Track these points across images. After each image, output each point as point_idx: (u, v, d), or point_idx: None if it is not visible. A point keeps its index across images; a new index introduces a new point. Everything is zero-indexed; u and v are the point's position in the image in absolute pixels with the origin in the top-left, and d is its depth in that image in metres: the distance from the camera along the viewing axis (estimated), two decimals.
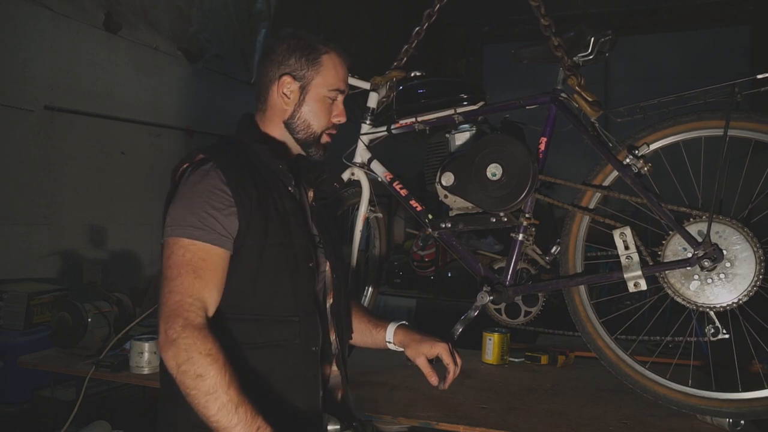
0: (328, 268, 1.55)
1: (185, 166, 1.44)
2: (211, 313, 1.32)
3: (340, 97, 1.56)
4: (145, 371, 2.20)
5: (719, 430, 1.81)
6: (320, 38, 1.55)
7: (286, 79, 1.50)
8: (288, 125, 1.53)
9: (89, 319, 2.39)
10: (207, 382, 1.22)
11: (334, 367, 1.57)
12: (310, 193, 1.58)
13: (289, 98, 1.51)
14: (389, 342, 1.70)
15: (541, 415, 1.90)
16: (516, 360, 2.52)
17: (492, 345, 2.46)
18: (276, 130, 1.54)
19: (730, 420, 1.78)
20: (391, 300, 4.84)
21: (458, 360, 1.64)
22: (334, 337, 1.55)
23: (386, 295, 4.88)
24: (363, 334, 1.72)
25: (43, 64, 3.55)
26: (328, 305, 1.55)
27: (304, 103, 1.51)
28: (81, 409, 2.25)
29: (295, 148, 1.57)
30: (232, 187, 1.35)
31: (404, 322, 1.71)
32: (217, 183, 1.35)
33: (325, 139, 1.55)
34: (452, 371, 1.61)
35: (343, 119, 1.56)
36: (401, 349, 1.68)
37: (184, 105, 4.70)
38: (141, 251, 4.25)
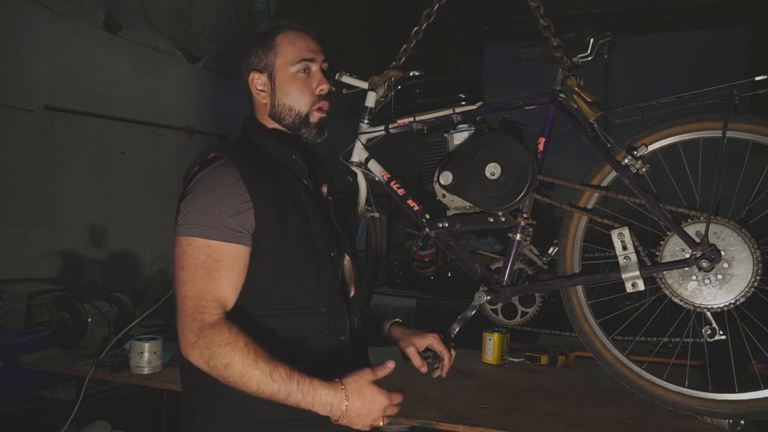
0: (347, 260, 1.56)
1: (197, 167, 1.44)
2: (229, 304, 1.34)
3: (314, 67, 1.53)
4: (145, 371, 2.20)
5: (719, 430, 1.81)
6: (271, 22, 1.57)
7: (254, 75, 1.53)
8: (273, 116, 1.54)
9: (89, 319, 2.39)
10: (236, 368, 1.25)
11: None
12: (324, 188, 1.59)
13: (264, 91, 1.53)
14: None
15: (541, 415, 1.90)
16: (516, 360, 2.52)
17: (492, 345, 2.46)
18: (270, 124, 1.55)
19: (730, 420, 1.78)
20: (391, 300, 4.84)
21: (453, 350, 1.65)
22: (356, 329, 1.56)
23: (386, 295, 4.88)
24: None
25: (43, 64, 3.55)
26: (349, 297, 1.56)
27: (277, 89, 1.52)
28: (81, 409, 2.25)
29: (297, 141, 1.57)
30: (248, 182, 1.36)
31: (398, 319, 1.73)
32: (232, 179, 1.36)
33: (315, 116, 1.53)
34: (446, 358, 1.63)
35: (324, 86, 1.54)
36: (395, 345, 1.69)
37: (184, 105, 4.71)
38: (141, 251, 4.25)
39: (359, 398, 1.28)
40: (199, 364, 1.28)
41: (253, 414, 1.36)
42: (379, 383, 1.33)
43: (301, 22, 1.57)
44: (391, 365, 1.33)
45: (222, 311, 1.31)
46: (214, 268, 1.31)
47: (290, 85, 1.51)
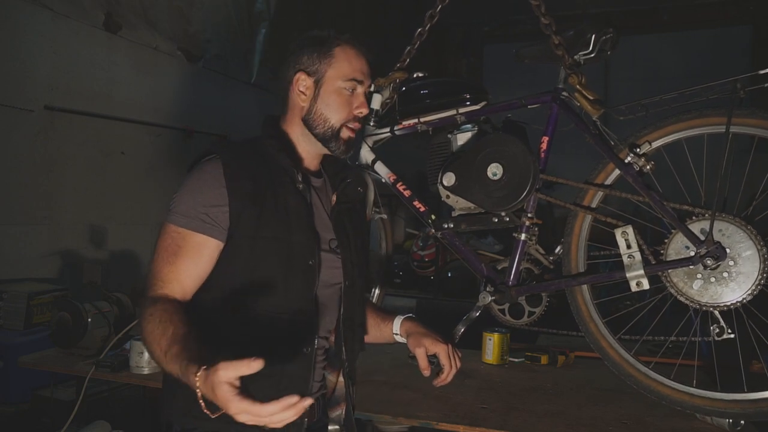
0: (341, 274, 1.54)
1: (197, 160, 1.48)
2: (177, 287, 1.37)
3: (360, 89, 1.54)
4: (145, 371, 2.19)
5: (719, 429, 1.80)
6: (333, 31, 1.54)
7: (301, 76, 1.52)
8: (306, 121, 1.53)
9: (89, 319, 2.38)
10: (147, 341, 1.28)
11: (341, 378, 1.56)
12: (333, 197, 1.58)
13: (305, 94, 1.52)
14: (396, 334, 1.70)
15: (541, 415, 1.89)
16: (516, 360, 2.51)
17: (492, 345, 2.45)
18: (296, 129, 1.55)
19: (730, 420, 1.77)
20: (391, 300, 4.82)
21: (457, 362, 1.64)
22: (343, 347, 1.55)
23: (386, 295, 4.85)
24: (372, 329, 1.72)
25: (43, 64, 3.55)
26: (340, 313, 1.55)
27: (319, 97, 1.51)
28: (81, 409, 2.24)
29: (317, 149, 1.56)
30: (228, 178, 1.39)
31: (411, 315, 1.72)
32: (214, 174, 1.39)
33: (346, 133, 1.53)
34: (447, 372, 1.62)
35: (364, 111, 1.55)
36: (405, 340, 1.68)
37: (184, 105, 4.70)
38: (141, 251, 4.24)
39: (212, 393, 1.07)
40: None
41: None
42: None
43: (362, 42, 1.57)
44: (255, 365, 1.04)
45: (167, 291, 1.36)
46: (174, 253, 1.37)
47: (334, 97, 1.51)
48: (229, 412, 1.05)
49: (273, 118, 1.60)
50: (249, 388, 1.32)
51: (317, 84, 1.51)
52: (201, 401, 1.09)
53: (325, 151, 1.56)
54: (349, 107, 1.53)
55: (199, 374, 1.09)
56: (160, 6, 4.41)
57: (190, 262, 1.38)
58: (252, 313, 1.39)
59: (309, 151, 1.57)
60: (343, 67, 1.51)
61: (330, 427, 1.56)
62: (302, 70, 1.52)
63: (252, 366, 1.03)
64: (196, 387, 1.09)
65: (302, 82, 1.52)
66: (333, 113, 1.51)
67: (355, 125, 1.55)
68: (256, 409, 1.03)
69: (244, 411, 1.03)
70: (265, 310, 1.40)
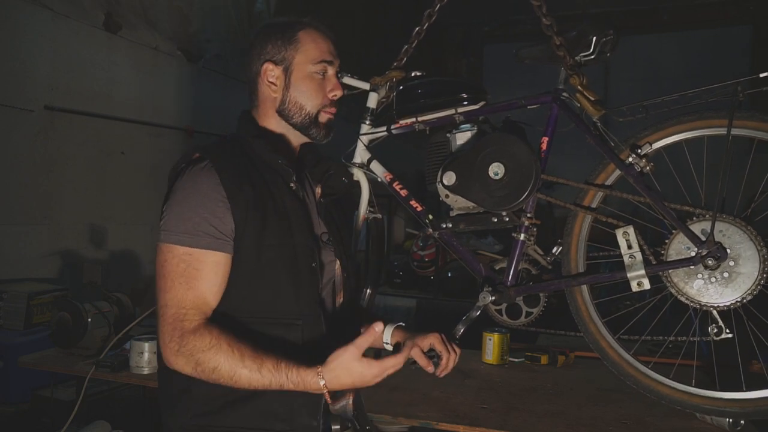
0: (338, 267, 1.52)
1: (182, 166, 1.41)
2: (209, 310, 1.32)
3: (330, 70, 1.51)
4: (145, 371, 2.19)
5: (719, 429, 1.80)
6: (294, 17, 1.51)
7: (268, 66, 1.47)
8: (281, 113, 1.49)
9: (89, 319, 2.38)
10: (224, 370, 1.25)
11: None
12: (318, 190, 1.55)
13: (276, 85, 1.48)
14: (386, 343, 1.68)
15: (541, 415, 1.89)
16: (516, 360, 2.52)
17: (492, 345, 2.46)
18: (272, 122, 1.51)
19: (730, 420, 1.77)
20: (391, 300, 4.83)
21: (455, 348, 1.60)
22: (342, 339, 1.54)
23: (386, 295, 4.87)
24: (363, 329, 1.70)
25: (43, 64, 3.55)
26: (337, 305, 1.53)
27: (291, 85, 1.47)
28: (81, 409, 2.24)
29: (296, 140, 1.53)
30: (227, 187, 1.32)
31: (401, 323, 1.69)
32: (212, 183, 1.32)
33: (324, 117, 1.50)
34: (446, 358, 1.58)
35: (338, 93, 1.52)
36: None
37: (184, 105, 4.70)
38: (141, 251, 4.25)
39: (348, 376, 1.26)
40: (185, 371, 1.28)
41: (220, 418, 1.33)
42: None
43: (323, 23, 1.54)
44: (379, 328, 1.29)
45: (202, 317, 1.30)
46: (194, 277, 1.29)
47: (306, 83, 1.47)
48: (378, 373, 1.28)
49: (249, 114, 1.54)
50: (266, 396, 1.32)
51: (286, 72, 1.47)
52: (327, 395, 1.29)
53: (305, 139, 1.53)
54: (323, 91, 1.49)
55: (320, 371, 1.25)
56: (160, 6, 4.41)
57: (211, 283, 1.31)
58: (263, 322, 1.35)
59: (291, 142, 1.53)
60: (310, 51, 1.47)
61: (333, 426, 1.55)
62: (269, 60, 1.47)
63: (378, 329, 1.29)
64: (322, 384, 1.25)
65: (270, 73, 1.47)
66: (307, 100, 1.47)
67: (332, 109, 1.51)
68: (392, 360, 1.31)
69: (391, 366, 1.31)
70: (275, 318, 1.36)
